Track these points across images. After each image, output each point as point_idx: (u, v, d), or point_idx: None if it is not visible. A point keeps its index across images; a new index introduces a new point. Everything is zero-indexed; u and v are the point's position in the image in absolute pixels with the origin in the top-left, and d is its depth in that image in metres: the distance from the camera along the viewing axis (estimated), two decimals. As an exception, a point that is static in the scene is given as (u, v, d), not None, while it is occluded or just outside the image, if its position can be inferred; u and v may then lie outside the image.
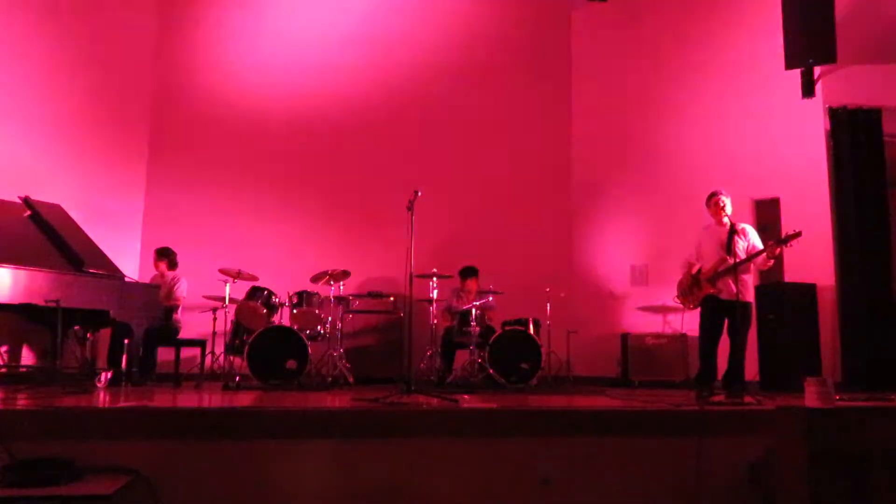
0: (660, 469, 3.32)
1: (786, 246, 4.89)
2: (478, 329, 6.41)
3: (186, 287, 6.49)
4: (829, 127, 6.67)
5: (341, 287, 6.58)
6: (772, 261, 4.98)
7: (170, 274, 6.49)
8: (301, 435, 3.16)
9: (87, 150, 7.11)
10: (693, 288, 5.21)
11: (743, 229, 5.13)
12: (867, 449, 2.82)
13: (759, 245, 5.16)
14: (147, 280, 6.68)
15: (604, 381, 7.21)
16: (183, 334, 6.55)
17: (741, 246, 5.07)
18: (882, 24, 6.70)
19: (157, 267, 6.54)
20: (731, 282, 5.00)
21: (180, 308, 6.43)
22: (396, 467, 3.16)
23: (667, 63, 7.85)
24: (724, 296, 5.04)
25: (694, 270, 5.28)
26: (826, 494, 2.75)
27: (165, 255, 6.50)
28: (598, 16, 8.41)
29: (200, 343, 6.36)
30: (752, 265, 5.19)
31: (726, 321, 5.10)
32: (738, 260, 4.94)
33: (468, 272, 7.06)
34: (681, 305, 5.48)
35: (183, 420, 3.17)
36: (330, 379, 5.94)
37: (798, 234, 4.85)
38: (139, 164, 7.61)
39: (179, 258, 6.58)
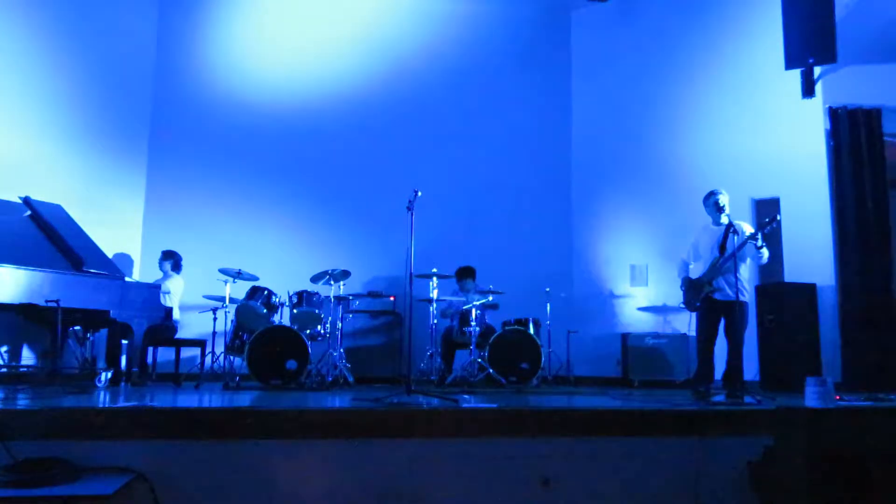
0: (660, 469, 3.32)
1: (766, 231, 4.85)
2: (478, 329, 6.42)
3: (179, 287, 6.52)
4: (829, 127, 6.68)
5: (341, 287, 6.58)
6: (765, 251, 4.89)
7: (172, 275, 6.54)
8: (301, 435, 3.16)
9: (87, 150, 7.11)
10: (696, 292, 5.18)
11: (740, 228, 5.10)
12: (867, 449, 2.82)
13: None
14: (147, 280, 6.68)
15: (604, 381, 7.22)
16: (183, 334, 6.56)
17: (737, 244, 5.05)
18: (882, 24, 6.70)
19: (161, 267, 6.58)
20: (725, 282, 4.98)
21: (175, 308, 6.44)
22: (396, 467, 3.16)
23: (666, 63, 7.85)
24: (719, 295, 5.03)
25: (692, 273, 5.27)
26: (826, 494, 2.75)
27: (171, 257, 6.55)
28: (598, 16, 8.41)
29: (200, 343, 6.37)
30: (751, 264, 5.18)
31: (723, 321, 5.08)
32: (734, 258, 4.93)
33: (465, 272, 7.06)
34: (687, 310, 5.45)
35: (183, 420, 3.17)
36: (330, 379, 5.94)
37: (774, 219, 4.88)
38: (139, 164, 7.61)
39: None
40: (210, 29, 8.05)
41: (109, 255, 5.80)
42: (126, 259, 7.05)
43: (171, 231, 7.23)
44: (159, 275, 6.66)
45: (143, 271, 7.24)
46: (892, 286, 6.35)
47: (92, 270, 5.10)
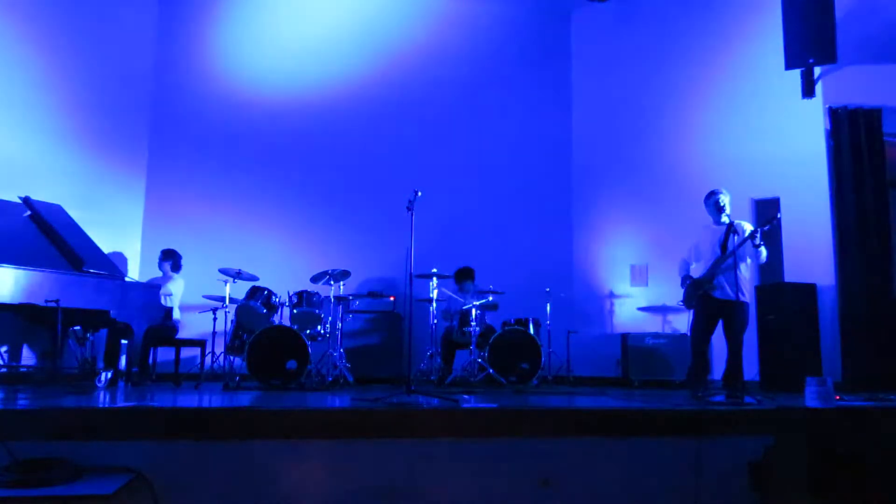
0: (660, 469, 3.32)
1: (765, 230, 4.83)
2: (478, 329, 6.42)
3: (180, 288, 6.49)
4: (829, 127, 6.68)
5: (341, 287, 6.57)
6: (763, 250, 4.86)
7: (172, 275, 6.53)
8: (301, 435, 3.16)
9: (87, 150, 7.10)
10: (696, 291, 5.16)
11: (741, 227, 5.09)
12: (867, 449, 2.82)
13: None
14: (147, 280, 6.68)
15: (604, 381, 7.21)
16: (183, 334, 6.55)
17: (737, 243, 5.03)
18: (882, 24, 6.70)
19: (161, 267, 6.57)
20: (726, 281, 4.97)
21: (175, 308, 6.43)
22: (396, 467, 3.16)
23: (666, 63, 7.85)
24: (719, 294, 5.01)
25: (693, 273, 5.26)
26: (826, 494, 2.75)
27: (171, 257, 6.54)
28: (598, 16, 8.42)
29: (200, 343, 6.36)
30: (751, 264, 5.17)
31: (721, 321, 5.06)
32: (733, 256, 4.92)
33: (464, 274, 7.05)
34: (685, 307, 5.44)
35: (183, 420, 3.17)
36: (330, 379, 5.94)
37: (774, 217, 4.89)
38: (139, 164, 7.61)
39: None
40: (210, 28, 8.06)
41: (109, 255, 5.79)
42: (119, 257, 7.02)
43: (171, 231, 7.23)
44: (159, 274, 6.65)
45: (143, 271, 7.24)
46: (893, 286, 6.35)
47: (92, 270, 5.10)
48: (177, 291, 6.48)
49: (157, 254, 6.68)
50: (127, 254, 7.19)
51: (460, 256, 7.25)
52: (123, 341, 5.64)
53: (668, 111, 7.79)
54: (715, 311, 5.05)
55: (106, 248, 5.83)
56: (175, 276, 6.55)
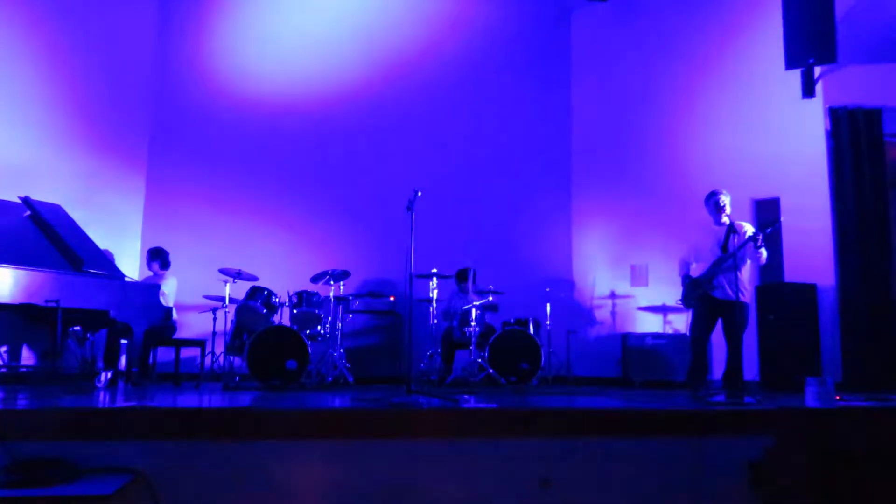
0: (660, 469, 3.32)
1: (768, 232, 4.82)
2: (478, 329, 6.42)
3: (174, 286, 6.46)
4: (829, 127, 6.68)
5: (341, 287, 6.58)
6: (763, 251, 4.82)
7: (162, 273, 6.49)
8: (301, 435, 3.16)
9: (87, 150, 7.11)
10: (695, 291, 5.17)
11: (741, 227, 5.09)
12: (867, 449, 2.82)
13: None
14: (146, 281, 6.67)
15: (604, 381, 7.22)
16: (183, 334, 6.54)
17: (737, 244, 5.03)
18: (882, 24, 6.71)
19: (150, 267, 6.54)
20: (726, 281, 4.97)
21: (173, 307, 6.42)
22: (396, 467, 3.16)
23: (667, 63, 7.85)
24: (719, 294, 5.01)
25: (693, 273, 5.26)
26: (826, 494, 2.75)
27: (158, 255, 6.50)
28: (598, 16, 8.42)
29: (200, 343, 6.36)
30: (751, 265, 5.17)
31: (721, 321, 5.05)
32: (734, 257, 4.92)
33: (464, 275, 7.05)
34: (684, 307, 5.44)
35: (183, 420, 3.16)
36: (330, 379, 5.93)
37: (777, 221, 4.91)
38: (139, 164, 7.61)
39: (179, 258, 6.58)
40: (210, 29, 8.06)
41: (109, 255, 5.79)
42: (126, 259, 7.03)
43: (170, 231, 7.23)
44: (151, 275, 6.63)
45: (143, 271, 7.23)
46: (893, 286, 6.35)
47: (92, 270, 5.10)
48: (170, 290, 6.45)
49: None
50: (127, 254, 7.18)
51: (460, 256, 7.25)
52: (123, 341, 5.64)
53: (668, 111, 7.79)
54: (715, 311, 5.04)
55: (106, 248, 5.82)
56: (165, 273, 6.51)
